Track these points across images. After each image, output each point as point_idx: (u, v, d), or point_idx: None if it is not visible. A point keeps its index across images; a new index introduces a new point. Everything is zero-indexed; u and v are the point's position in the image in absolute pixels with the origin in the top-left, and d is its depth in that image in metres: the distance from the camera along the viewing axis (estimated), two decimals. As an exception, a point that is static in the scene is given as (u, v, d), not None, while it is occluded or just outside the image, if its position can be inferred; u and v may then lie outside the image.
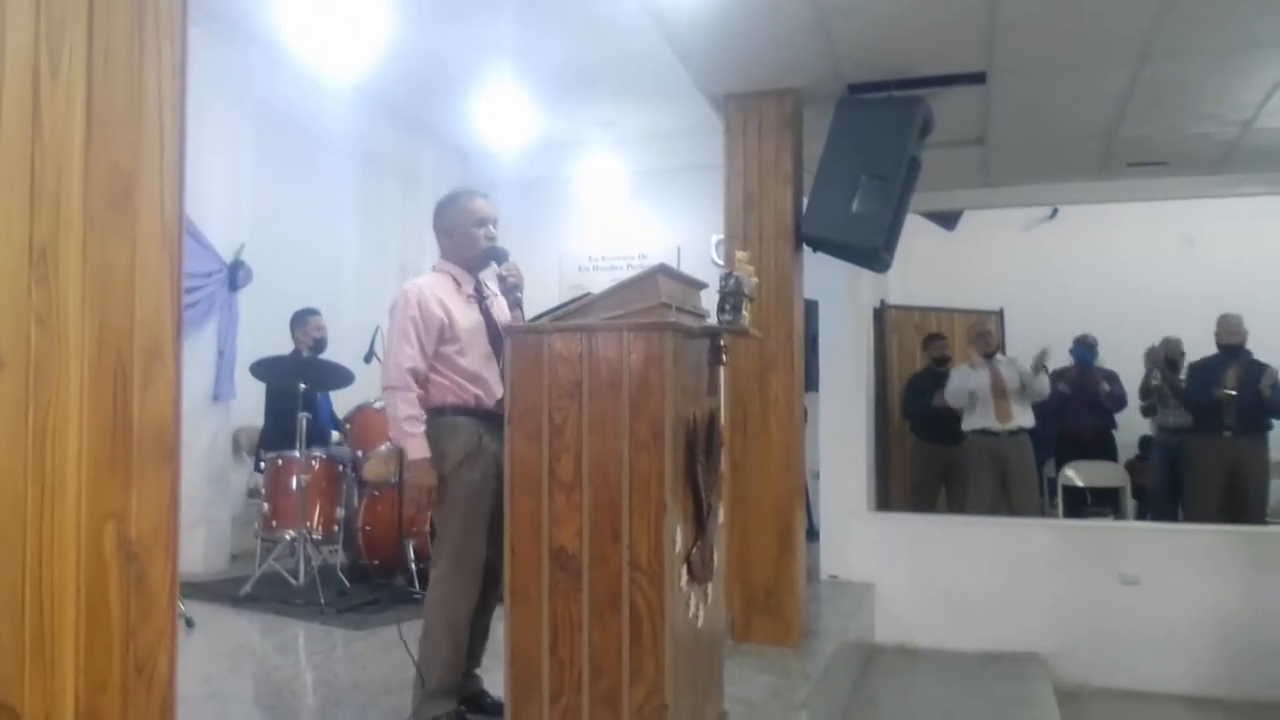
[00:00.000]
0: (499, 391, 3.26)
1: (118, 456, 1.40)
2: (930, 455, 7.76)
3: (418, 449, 3.19)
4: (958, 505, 7.51)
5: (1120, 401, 7.66)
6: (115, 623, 1.41)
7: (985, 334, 7.34)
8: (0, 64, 1.27)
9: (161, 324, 1.47)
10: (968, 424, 7.17)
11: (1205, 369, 7.00)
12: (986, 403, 7.03)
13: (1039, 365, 7.00)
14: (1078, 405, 7.57)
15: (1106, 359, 7.84)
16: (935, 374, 7.73)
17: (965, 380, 7.16)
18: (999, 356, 7.23)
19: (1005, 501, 6.99)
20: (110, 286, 1.40)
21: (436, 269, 3.46)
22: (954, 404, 7.22)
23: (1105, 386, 7.52)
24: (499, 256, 3.42)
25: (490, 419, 3.25)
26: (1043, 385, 7.05)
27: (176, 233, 1.50)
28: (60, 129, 1.34)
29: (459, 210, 3.43)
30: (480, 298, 3.42)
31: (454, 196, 3.49)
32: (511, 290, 3.35)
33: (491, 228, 3.43)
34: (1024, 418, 7.05)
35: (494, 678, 3.19)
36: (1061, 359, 7.72)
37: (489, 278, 3.50)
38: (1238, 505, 6.65)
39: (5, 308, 1.26)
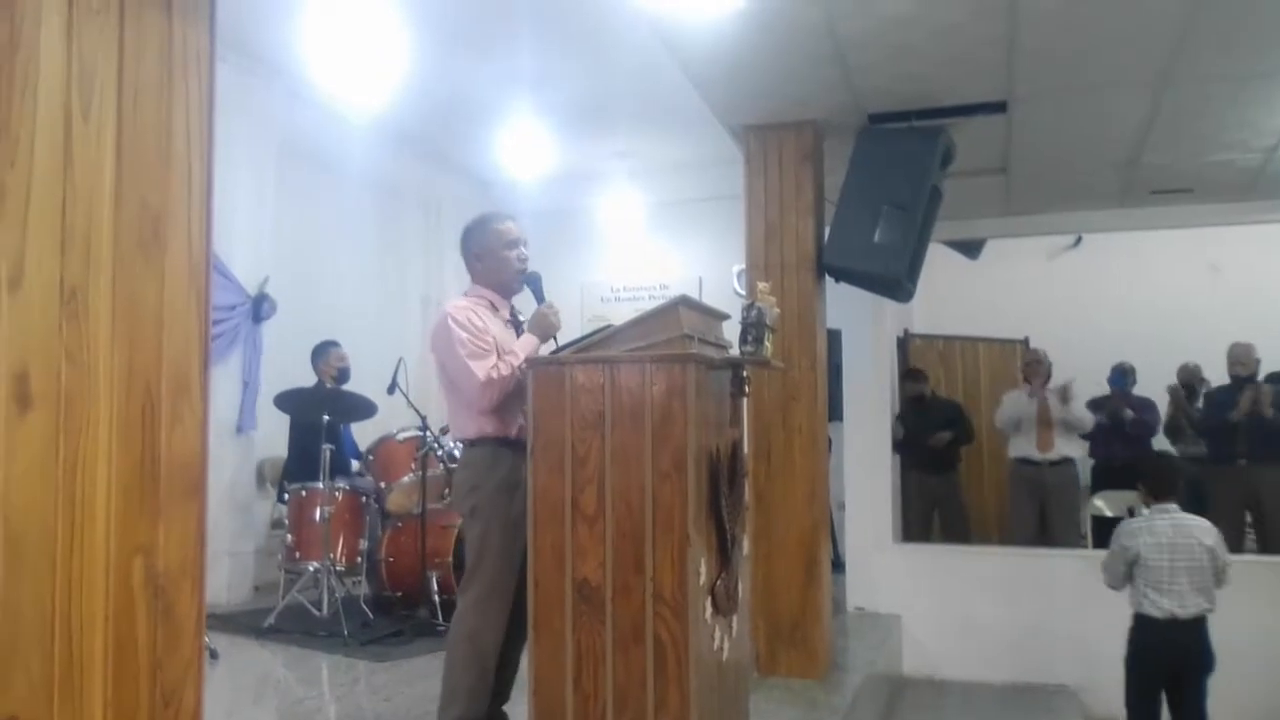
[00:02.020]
0: None
1: (146, 491, 1.42)
2: (919, 486, 7.55)
3: (529, 346, 3.24)
4: (956, 534, 7.43)
5: (1149, 430, 7.55)
6: (143, 655, 1.42)
7: (1038, 363, 7.26)
8: (33, 105, 1.29)
9: (189, 360, 1.49)
10: (1012, 451, 7.13)
11: (1220, 398, 6.94)
12: (1030, 432, 6.98)
13: (1065, 397, 6.94)
14: (1110, 434, 7.49)
15: (1137, 387, 7.75)
16: (913, 410, 7.65)
17: (1015, 406, 7.11)
18: (1050, 387, 7.16)
19: (1044, 532, 6.91)
20: (139, 323, 1.42)
21: (469, 294, 3.41)
22: (1000, 426, 7.18)
23: (1129, 413, 7.43)
24: (533, 281, 3.42)
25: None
26: (1081, 415, 6.97)
27: (204, 270, 1.53)
28: (91, 168, 1.36)
29: (488, 234, 3.39)
30: (516, 323, 3.42)
31: (482, 220, 3.45)
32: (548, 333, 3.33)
33: (523, 249, 3.41)
34: (1067, 448, 6.97)
35: (517, 711, 3.18)
36: (1100, 388, 7.64)
37: (520, 303, 3.50)
38: (1261, 535, 6.57)
39: (37, 345, 1.28)
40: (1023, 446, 7.04)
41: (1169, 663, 4.29)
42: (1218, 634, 4.45)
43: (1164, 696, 4.40)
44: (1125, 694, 4.44)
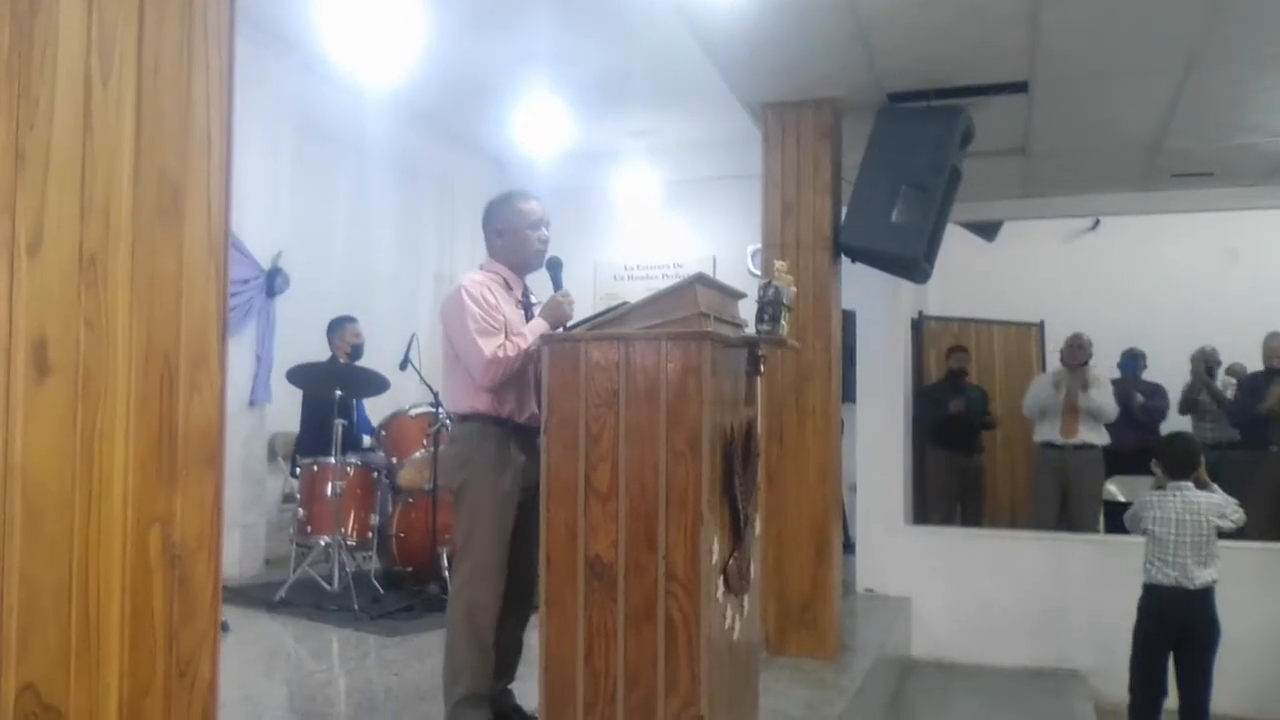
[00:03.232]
0: (532, 405, 3.25)
1: (163, 461, 1.41)
2: (948, 465, 7.61)
3: (539, 331, 3.16)
4: (974, 516, 7.43)
5: (1156, 415, 7.51)
6: (159, 625, 1.41)
7: (1077, 347, 7.21)
8: (53, 72, 1.28)
9: (207, 330, 1.48)
10: (1036, 436, 7.14)
11: (1253, 384, 6.90)
12: (1055, 416, 6.98)
13: (1084, 384, 6.92)
14: (1121, 419, 7.45)
15: (1149, 372, 7.72)
16: (952, 384, 7.65)
17: (1041, 391, 7.10)
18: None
19: (1065, 516, 6.91)
20: (158, 292, 1.41)
21: (485, 269, 3.40)
22: (1026, 413, 7.20)
23: (1139, 398, 7.40)
24: (553, 266, 3.39)
25: (520, 432, 3.23)
26: (1100, 401, 6.93)
27: (223, 240, 1.52)
28: (111, 136, 1.35)
29: (512, 211, 3.39)
30: (527, 304, 3.41)
31: (506, 197, 3.44)
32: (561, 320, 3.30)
33: (545, 230, 3.40)
34: (1091, 434, 6.94)
35: (527, 688, 3.18)
36: (1112, 372, 7.60)
37: (533, 283, 3.48)
38: None
39: (55, 312, 1.27)
40: (1047, 431, 7.05)
41: (1174, 629, 4.47)
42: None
43: (1170, 673, 4.52)
44: (1130, 659, 4.57)
